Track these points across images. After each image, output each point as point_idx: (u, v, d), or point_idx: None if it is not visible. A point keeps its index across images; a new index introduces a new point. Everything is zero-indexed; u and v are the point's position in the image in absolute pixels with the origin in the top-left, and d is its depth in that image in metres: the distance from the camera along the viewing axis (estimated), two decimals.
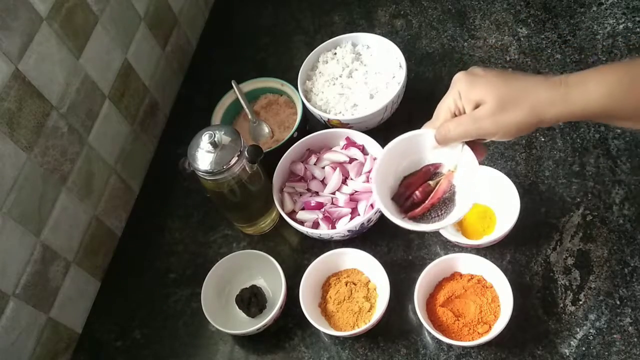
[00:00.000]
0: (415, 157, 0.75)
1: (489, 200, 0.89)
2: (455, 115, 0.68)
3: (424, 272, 0.82)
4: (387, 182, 0.74)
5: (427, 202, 0.72)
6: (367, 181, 0.92)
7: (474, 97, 0.65)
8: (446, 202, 0.72)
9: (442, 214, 0.72)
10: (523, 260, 0.85)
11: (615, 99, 0.60)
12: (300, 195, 0.94)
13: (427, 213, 0.73)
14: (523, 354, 0.78)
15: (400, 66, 1.00)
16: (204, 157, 0.83)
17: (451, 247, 0.88)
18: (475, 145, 0.70)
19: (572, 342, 0.78)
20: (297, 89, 1.03)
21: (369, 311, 0.84)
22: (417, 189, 0.73)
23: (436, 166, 0.74)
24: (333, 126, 1.00)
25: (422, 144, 0.73)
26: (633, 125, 0.67)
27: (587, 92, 0.60)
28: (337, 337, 0.85)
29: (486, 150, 0.72)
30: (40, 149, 0.84)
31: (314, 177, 0.95)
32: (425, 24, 1.14)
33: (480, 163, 0.70)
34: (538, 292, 0.82)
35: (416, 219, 0.73)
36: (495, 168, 0.89)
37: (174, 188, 1.06)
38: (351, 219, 0.89)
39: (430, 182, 0.74)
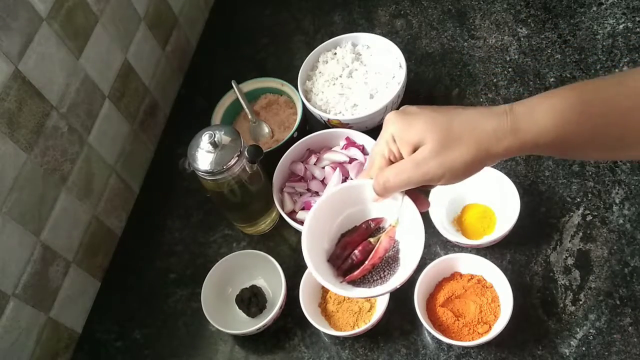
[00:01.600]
0: (353, 211, 0.66)
1: (489, 200, 0.90)
2: (391, 162, 0.60)
3: (424, 272, 0.82)
4: (321, 242, 0.66)
5: (367, 262, 0.63)
6: None
7: (412, 139, 0.57)
8: (389, 261, 0.64)
9: (384, 276, 0.63)
10: (523, 260, 0.85)
11: (568, 127, 0.53)
12: (300, 195, 0.94)
13: (367, 275, 0.64)
14: (523, 354, 0.78)
15: (400, 66, 1.00)
16: (204, 157, 0.82)
17: (451, 247, 0.88)
18: (416, 195, 0.62)
19: (572, 342, 0.78)
20: (297, 89, 1.03)
21: (369, 311, 0.84)
22: (356, 248, 0.65)
23: (377, 221, 0.66)
24: (333, 126, 1.00)
25: (359, 196, 0.64)
26: (588, 155, 0.61)
27: (536, 121, 0.54)
28: (337, 337, 0.85)
29: (428, 201, 0.63)
30: (40, 149, 0.84)
31: (314, 177, 0.95)
32: (425, 24, 1.14)
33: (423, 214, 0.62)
34: (538, 292, 0.82)
35: (356, 282, 0.64)
36: (495, 168, 0.88)
37: (174, 188, 1.06)
38: None
39: (371, 240, 0.65)
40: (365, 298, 0.63)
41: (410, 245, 0.62)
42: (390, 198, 0.62)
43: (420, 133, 0.56)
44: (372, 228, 0.66)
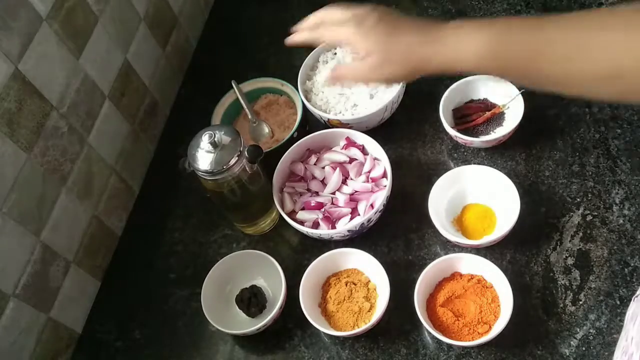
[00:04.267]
0: (478, 93, 0.99)
1: (489, 200, 0.90)
2: None
3: (424, 272, 0.82)
4: (452, 105, 0.98)
5: (471, 122, 0.95)
6: (367, 181, 0.92)
7: (367, 46, 0.71)
8: (487, 126, 0.95)
9: (482, 132, 0.95)
10: (523, 260, 0.85)
11: (483, 62, 0.64)
12: (300, 195, 0.94)
13: (470, 130, 0.95)
14: (523, 354, 0.78)
15: None
16: (204, 157, 0.83)
17: (451, 247, 0.88)
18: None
19: (572, 342, 0.78)
20: (297, 89, 1.03)
21: (369, 311, 0.84)
22: (472, 110, 0.96)
23: (498, 108, 0.95)
24: (333, 126, 1.00)
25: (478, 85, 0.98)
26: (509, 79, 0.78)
27: (459, 53, 0.65)
28: (337, 337, 0.85)
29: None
30: (40, 149, 0.84)
31: (314, 177, 0.95)
32: None
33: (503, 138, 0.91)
34: (538, 292, 0.82)
35: (460, 131, 0.94)
36: (495, 168, 0.89)
37: (174, 188, 1.06)
38: (351, 219, 0.89)
39: (484, 113, 0.95)
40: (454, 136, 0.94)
41: (502, 124, 0.96)
42: (506, 86, 0.93)
43: (372, 47, 0.71)
44: (489, 107, 0.96)
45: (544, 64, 0.61)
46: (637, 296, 0.66)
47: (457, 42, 0.65)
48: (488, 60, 0.64)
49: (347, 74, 0.77)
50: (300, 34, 0.80)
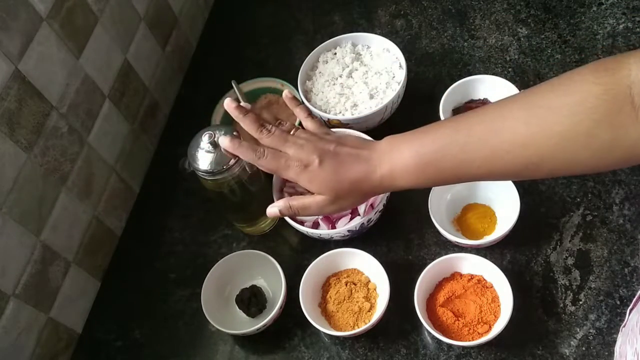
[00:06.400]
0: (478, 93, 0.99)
1: (489, 200, 0.90)
2: None
3: (424, 272, 0.82)
4: (452, 105, 0.98)
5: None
6: None
7: (314, 190, 0.74)
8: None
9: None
10: (523, 260, 0.85)
11: (417, 181, 0.69)
12: (300, 195, 0.94)
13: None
14: (523, 354, 0.78)
15: (400, 66, 1.00)
16: (204, 157, 0.83)
17: (451, 247, 0.88)
18: None
19: (572, 342, 0.78)
20: (297, 89, 1.03)
21: (369, 311, 0.84)
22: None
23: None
24: (333, 126, 1.00)
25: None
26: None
27: (395, 181, 0.70)
28: (337, 337, 0.85)
29: None
30: (40, 149, 0.84)
31: None
32: (425, 24, 1.14)
33: None
34: (538, 292, 0.82)
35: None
36: None
37: (174, 188, 1.06)
38: (351, 219, 0.89)
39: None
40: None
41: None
42: None
43: (320, 189, 0.74)
44: None
45: (470, 169, 0.66)
46: (624, 326, 0.66)
47: (391, 174, 0.70)
48: (420, 180, 0.69)
49: (301, 212, 0.77)
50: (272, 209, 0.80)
